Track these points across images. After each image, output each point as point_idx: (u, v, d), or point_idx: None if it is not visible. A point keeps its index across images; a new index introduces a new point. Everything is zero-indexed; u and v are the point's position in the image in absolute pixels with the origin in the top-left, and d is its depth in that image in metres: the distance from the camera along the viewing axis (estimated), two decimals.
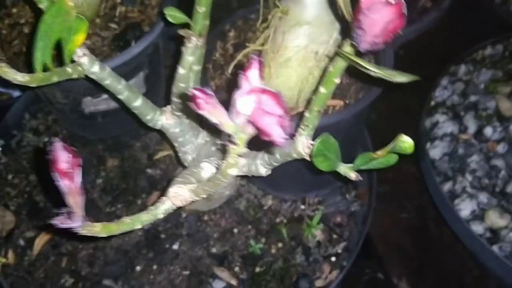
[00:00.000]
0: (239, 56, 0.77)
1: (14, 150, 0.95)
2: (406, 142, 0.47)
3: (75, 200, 0.40)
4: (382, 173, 1.12)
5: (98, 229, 0.43)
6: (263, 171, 0.58)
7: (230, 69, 0.79)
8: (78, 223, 0.40)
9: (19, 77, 0.48)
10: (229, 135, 0.38)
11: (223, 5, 1.07)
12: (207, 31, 0.59)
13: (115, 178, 0.90)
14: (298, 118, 0.78)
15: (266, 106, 0.33)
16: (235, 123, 0.36)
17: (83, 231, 0.42)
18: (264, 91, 0.33)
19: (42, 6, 0.51)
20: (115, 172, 0.91)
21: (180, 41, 0.56)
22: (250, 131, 0.37)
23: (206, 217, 0.87)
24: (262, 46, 0.76)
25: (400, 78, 0.38)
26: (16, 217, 0.87)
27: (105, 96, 0.85)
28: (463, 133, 0.97)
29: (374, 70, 0.38)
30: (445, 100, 1.02)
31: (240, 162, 0.60)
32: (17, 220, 0.87)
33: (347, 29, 0.38)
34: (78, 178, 0.40)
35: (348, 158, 0.50)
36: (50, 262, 0.84)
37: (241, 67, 0.83)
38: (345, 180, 0.49)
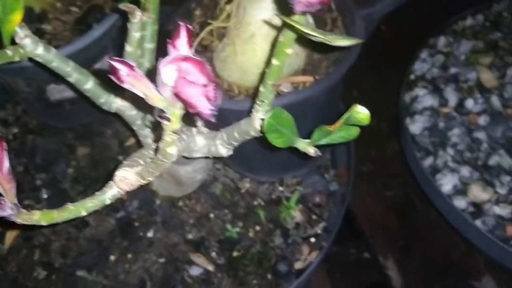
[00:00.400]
0: (202, 34, 0.74)
1: None
2: (360, 113, 0.44)
3: (5, 187, 0.38)
4: (365, 152, 1.10)
5: (36, 217, 0.41)
6: (224, 151, 0.56)
7: (193, 48, 0.76)
8: (8, 212, 0.37)
9: None
10: (161, 111, 0.35)
11: None
12: (158, 5, 0.56)
13: (86, 167, 0.87)
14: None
15: (188, 75, 0.31)
16: (164, 96, 0.34)
17: (19, 220, 0.40)
18: (185, 58, 0.31)
19: None
20: (86, 160, 0.88)
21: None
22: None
23: (180, 203, 0.85)
24: (226, 23, 0.74)
25: (342, 42, 0.36)
26: None
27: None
28: (444, 107, 0.94)
29: (315, 35, 0.35)
30: (424, 74, 0.99)
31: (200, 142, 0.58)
32: None
33: None
34: (5, 163, 0.37)
35: None
36: (22, 255, 0.82)
37: (208, 49, 0.81)
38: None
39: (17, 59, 0.51)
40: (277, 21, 0.70)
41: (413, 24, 1.15)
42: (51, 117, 0.91)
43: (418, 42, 1.07)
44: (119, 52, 0.86)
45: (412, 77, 0.99)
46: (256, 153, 0.81)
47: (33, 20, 0.80)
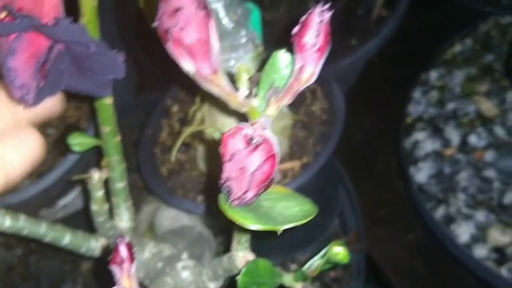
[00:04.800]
0: (180, 141, 0.72)
1: None
2: (339, 254, 0.41)
3: None
4: (378, 195, 1.06)
5: None
6: (213, 285, 0.53)
7: (173, 154, 0.74)
8: None
9: None
10: None
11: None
12: (121, 150, 0.54)
13: (92, 283, 0.86)
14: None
15: None
16: None
17: None
18: None
19: None
20: (91, 275, 0.87)
21: None
22: None
23: None
24: (201, 126, 0.72)
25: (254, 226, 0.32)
26: None
27: (61, 203, 0.81)
28: (447, 148, 0.90)
29: (253, 226, 0.32)
30: (421, 115, 0.96)
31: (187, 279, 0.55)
32: None
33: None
34: None
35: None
36: None
37: (190, 146, 0.79)
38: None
39: None
40: None
41: (402, 50, 1.11)
42: None
43: (411, 68, 1.03)
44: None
45: (408, 120, 0.96)
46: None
47: None
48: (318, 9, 0.32)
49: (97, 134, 0.55)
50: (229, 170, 0.31)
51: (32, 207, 0.80)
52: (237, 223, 0.31)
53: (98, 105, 0.51)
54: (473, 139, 0.90)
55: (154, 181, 0.75)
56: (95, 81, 0.38)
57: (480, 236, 0.82)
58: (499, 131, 0.89)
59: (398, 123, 0.97)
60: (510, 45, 0.97)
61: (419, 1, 1.11)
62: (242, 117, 0.37)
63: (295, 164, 0.72)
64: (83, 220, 0.87)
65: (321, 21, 0.32)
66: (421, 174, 0.89)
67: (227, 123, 0.68)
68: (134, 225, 0.58)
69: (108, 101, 0.51)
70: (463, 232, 0.82)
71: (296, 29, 0.33)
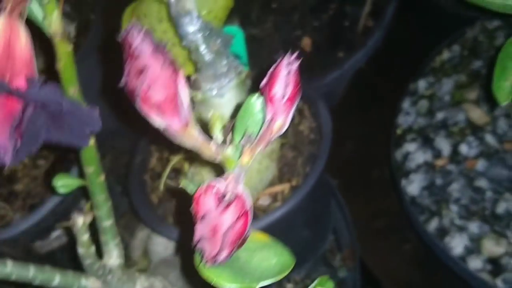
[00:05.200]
0: (167, 171, 0.72)
1: None
2: None
3: None
4: (371, 208, 1.06)
5: None
6: None
7: (162, 182, 0.74)
8: None
9: None
10: None
11: None
12: (106, 188, 0.54)
13: None
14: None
15: None
16: None
17: None
18: None
19: None
20: None
21: None
22: None
23: None
24: (187, 154, 0.72)
25: None
26: None
27: (55, 234, 0.81)
28: (438, 158, 0.90)
29: (228, 285, 0.32)
30: (411, 126, 0.95)
31: None
32: None
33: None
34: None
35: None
36: None
37: (180, 172, 0.79)
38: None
39: None
40: None
41: (390, 59, 1.11)
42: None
43: (399, 78, 1.03)
44: None
45: (398, 131, 0.95)
46: None
47: (3, 183, 0.80)
48: (285, 60, 0.32)
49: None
50: (201, 230, 0.31)
51: (25, 240, 0.80)
52: (211, 283, 0.31)
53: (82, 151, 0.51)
54: (464, 149, 0.89)
55: (145, 209, 0.75)
56: (74, 134, 0.38)
57: (474, 248, 0.82)
58: (490, 139, 0.89)
59: (389, 133, 0.97)
60: (497, 51, 0.97)
61: (403, 9, 1.11)
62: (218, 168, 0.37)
63: (285, 187, 0.72)
64: None
65: (289, 72, 0.32)
66: (413, 186, 0.89)
67: None
68: (123, 262, 0.58)
69: (90, 142, 0.51)
70: (457, 245, 0.82)
71: (264, 81, 0.33)
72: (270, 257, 0.34)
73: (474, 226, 0.83)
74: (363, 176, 1.05)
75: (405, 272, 0.97)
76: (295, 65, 0.33)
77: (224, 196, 0.31)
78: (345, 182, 0.97)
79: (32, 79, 0.36)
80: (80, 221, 0.49)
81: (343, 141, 1.04)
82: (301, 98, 0.80)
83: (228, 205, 0.31)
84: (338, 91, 1.04)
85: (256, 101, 0.38)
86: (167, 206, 0.75)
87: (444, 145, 0.91)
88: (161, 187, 0.74)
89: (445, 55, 1.02)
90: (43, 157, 0.82)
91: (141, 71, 0.32)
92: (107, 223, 0.56)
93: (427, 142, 0.93)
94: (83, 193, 0.83)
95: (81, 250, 0.52)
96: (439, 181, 0.88)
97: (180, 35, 0.59)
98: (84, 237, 0.50)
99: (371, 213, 0.99)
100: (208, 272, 0.31)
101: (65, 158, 0.80)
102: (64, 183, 0.54)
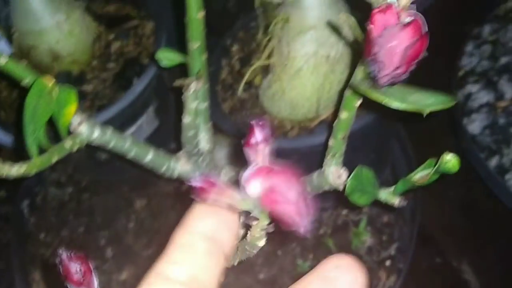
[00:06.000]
0: (247, 75, 0.72)
1: (40, 207, 0.92)
2: (450, 162, 0.41)
3: None
4: (421, 151, 1.06)
5: None
6: None
7: (240, 89, 0.74)
8: None
9: (14, 171, 0.44)
10: (248, 213, 0.33)
11: (220, 12, 1.02)
12: (207, 66, 0.54)
13: (146, 219, 0.86)
14: (322, 126, 0.73)
15: (275, 192, 0.28)
16: (250, 201, 0.31)
17: None
18: (270, 173, 0.28)
19: (25, 83, 0.47)
20: (145, 213, 0.87)
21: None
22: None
23: None
24: (268, 60, 0.71)
25: (435, 106, 0.32)
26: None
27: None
28: (500, 100, 0.90)
29: (398, 105, 0.32)
30: (474, 68, 0.95)
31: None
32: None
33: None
34: (93, 283, 0.36)
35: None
36: None
37: (252, 85, 0.78)
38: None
39: (76, 149, 0.50)
40: (324, 52, 0.67)
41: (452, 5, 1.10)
42: (104, 173, 0.91)
43: (461, 24, 1.02)
44: (162, 100, 0.85)
45: (461, 73, 0.95)
46: None
47: (72, 83, 0.79)
48: None
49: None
50: (378, 46, 0.31)
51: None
52: (382, 103, 0.31)
53: (189, 19, 0.51)
54: None
55: (217, 117, 0.75)
56: None
57: None
58: None
59: (449, 77, 0.97)
60: None
61: None
62: None
63: None
64: None
65: None
66: (475, 125, 0.88)
67: (299, 54, 0.67)
68: (212, 147, 0.58)
69: (199, 15, 0.51)
70: None
71: None
72: (425, 98, 0.34)
73: None
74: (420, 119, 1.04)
75: (450, 216, 0.98)
76: None
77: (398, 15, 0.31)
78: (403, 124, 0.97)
79: None
80: (194, 85, 0.48)
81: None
82: None
83: (408, 24, 0.30)
84: None
85: None
86: (239, 116, 0.75)
87: (507, 88, 0.91)
88: (239, 93, 0.73)
89: (510, 3, 1.01)
90: (112, 61, 0.81)
91: None
92: (202, 105, 0.55)
93: (489, 84, 0.92)
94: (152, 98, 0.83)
95: (187, 119, 0.51)
96: (501, 121, 0.87)
97: None
98: (192, 104, 0.50)
99: (424, 155, 0.99)
100: (377, 95, 0.31)
101: (136, 62, 0.80)
102: (167, 56, 0.53)
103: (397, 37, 0.31)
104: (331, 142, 0.47)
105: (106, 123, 0.77)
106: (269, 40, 0.71)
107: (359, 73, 0.35)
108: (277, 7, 0.69)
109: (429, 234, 0.98)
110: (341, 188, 0.48)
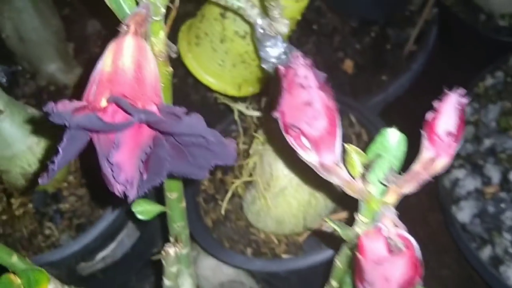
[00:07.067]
0: (229, 194, 0.70)
1: None
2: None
3: None
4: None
5: None
6: None
7: (224, 205, 0.71)
8: None
9: None
10: None
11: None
12: (185, 216, 0.52)
13: None
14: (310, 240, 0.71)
15: None
16: None
17: None
18: None
19: None
20: None
21: None
22: None
23: None
24: (251, 177, 0.69)
25: None
26: None
27: (100, 256, 0.78)
28: (488, 186, 0.89)
29: None
30: (458, 151, 0.93)
31: None
32: None
33: None
34: None
35: None
36: None
37: (235, 194, 0.76)
38: None
39: None
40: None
41: (432, 85, 1.10)
42: (86, 285, 0.87)
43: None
44: None
45: None
46: None
47: (49, 202, 0.77)
48: (454, 96, 0.30)
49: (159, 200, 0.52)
50: (370, 275, 0.29)
51: (71, 262, 0.77)
52: None
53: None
54: None
55: (200, 232, 0.72)
56: (196, 165, 0.36)
57: None
58: None
59: None
60: None
61: (445, 36, 1.10)
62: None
63: (342, 215, 0.71)
64: (121, 271, 0.84)
65: (457, 109, 0.30)
66: (464, 213, 0.87)
67: (282, 173, 0.65)
68: None
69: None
70: None
71: (429, 117, 0.31)
72: None
73: None
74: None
75: None
76: (465, 100, 0.31)
77: (388, 241, 0.29)
78: None
79: (163, 104, 0.33)
80: (172, 251, 0.46)
81: None
82: (357, 122, 0.79)
83: (398, 253, 0.28)
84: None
85: (392, 133, 0.36)
86: (222, 230, 0.72)
87: (493, 172, 0.89)
88: (223, 212, 0.71)
89: (489, 81, 1.01)
90: (87, 175, 0.79)
91: (305, 104, 0.30)
92: (184, 251, 0.53)
93: (476, 168, 0.91)
94: (129, 215, 0.80)
95: (168, 283, 0.49)
96: (491, 209, 0.86)
97: (262, 57, 0.57)
98: (173, 268, 0.48)
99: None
100: None
101: None
102: (143, 209, 0.51)
103: (389, 268, 0.29)
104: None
105: (88, 245, 0.75)
106: (249, 155, 0.69)
107: None
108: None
109: None
110: None
